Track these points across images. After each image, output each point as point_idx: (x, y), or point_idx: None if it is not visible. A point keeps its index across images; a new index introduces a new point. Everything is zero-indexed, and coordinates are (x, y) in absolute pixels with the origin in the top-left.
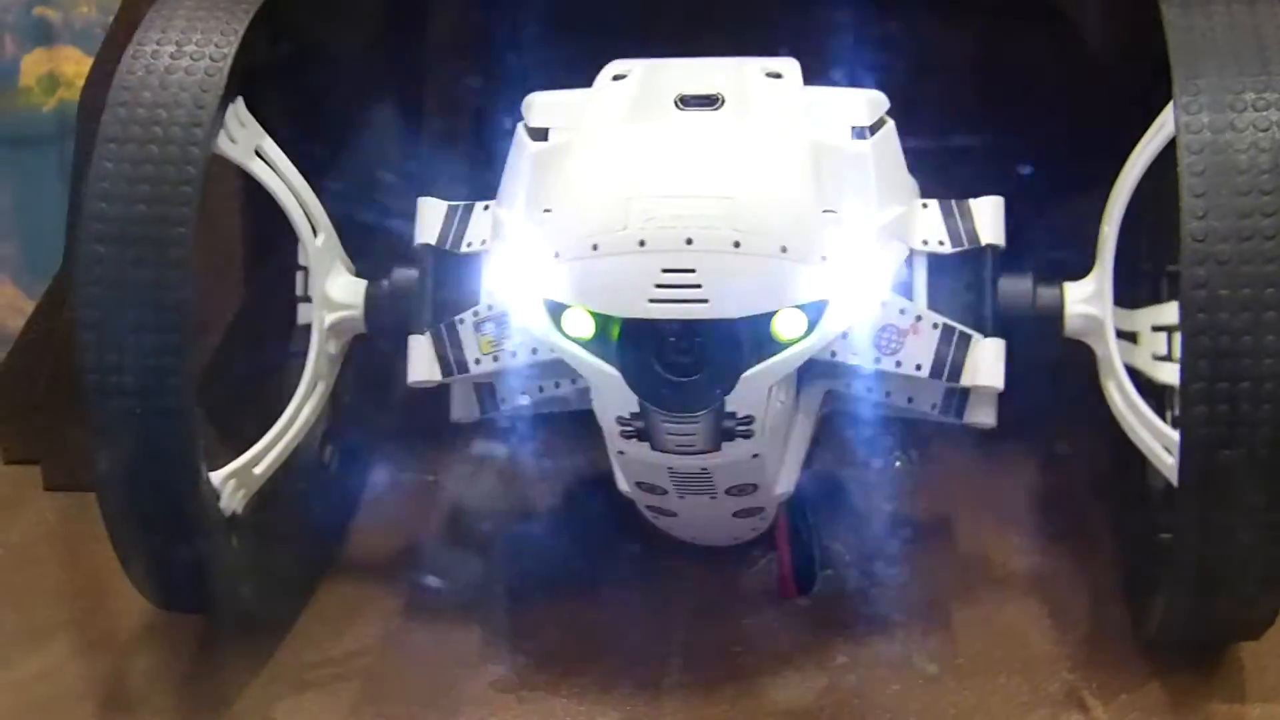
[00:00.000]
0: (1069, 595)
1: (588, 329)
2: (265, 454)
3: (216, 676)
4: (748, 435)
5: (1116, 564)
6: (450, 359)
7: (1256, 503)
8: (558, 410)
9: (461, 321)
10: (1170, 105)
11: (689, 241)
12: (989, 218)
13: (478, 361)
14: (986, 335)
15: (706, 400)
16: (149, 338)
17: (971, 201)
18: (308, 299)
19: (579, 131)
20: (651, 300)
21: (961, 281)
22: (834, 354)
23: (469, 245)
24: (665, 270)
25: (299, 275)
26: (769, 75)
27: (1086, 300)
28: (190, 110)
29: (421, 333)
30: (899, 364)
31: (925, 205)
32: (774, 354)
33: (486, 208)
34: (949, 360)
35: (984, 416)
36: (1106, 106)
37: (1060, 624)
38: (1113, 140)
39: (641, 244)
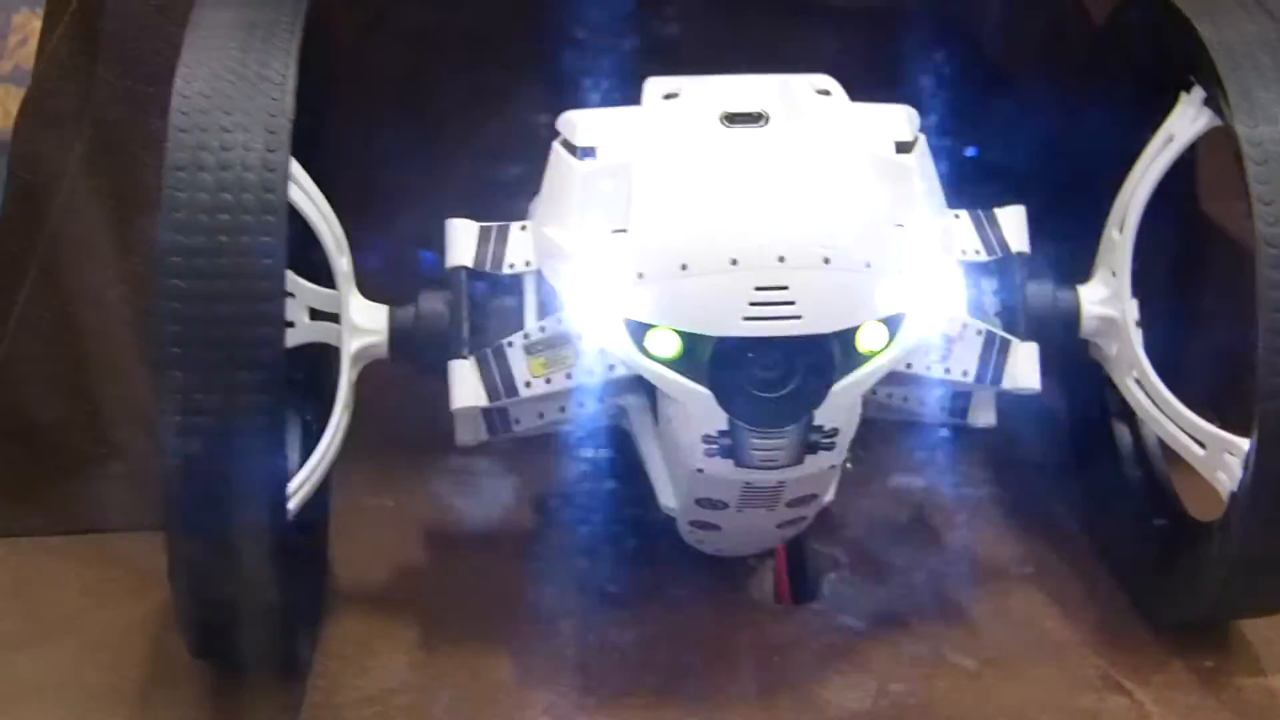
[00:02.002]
0: (1064, 584)
1: (673, 348)
2: (302, 487)
3: None
4: (831, 448)
5: (1097, 552)
6: (498, 383)
7: None
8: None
9: (510, 344)
10: (1178, 115)
11: (781, 259)
12: (1014, 225)
13: (528, 384)
14: (1021, 339)
15: (798, 415)
16: (234, 373)
17: (996, 210)
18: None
19: (642, 150)
20: (746, 318)
21: (991, 288)
22: (909, 365)
23: (511, 266)
24: (759, 288)
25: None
26: (819, 92)
27: (1103, 302)
28: (264, 139)
29: (463, 356)
30: (948, 370)
31: (958, 215)
32: (859, 366)
33: (524, 228)
34: (991, 365)
35: (986, 417)
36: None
37: (1067, 612)
38: None
39: (734, 262)
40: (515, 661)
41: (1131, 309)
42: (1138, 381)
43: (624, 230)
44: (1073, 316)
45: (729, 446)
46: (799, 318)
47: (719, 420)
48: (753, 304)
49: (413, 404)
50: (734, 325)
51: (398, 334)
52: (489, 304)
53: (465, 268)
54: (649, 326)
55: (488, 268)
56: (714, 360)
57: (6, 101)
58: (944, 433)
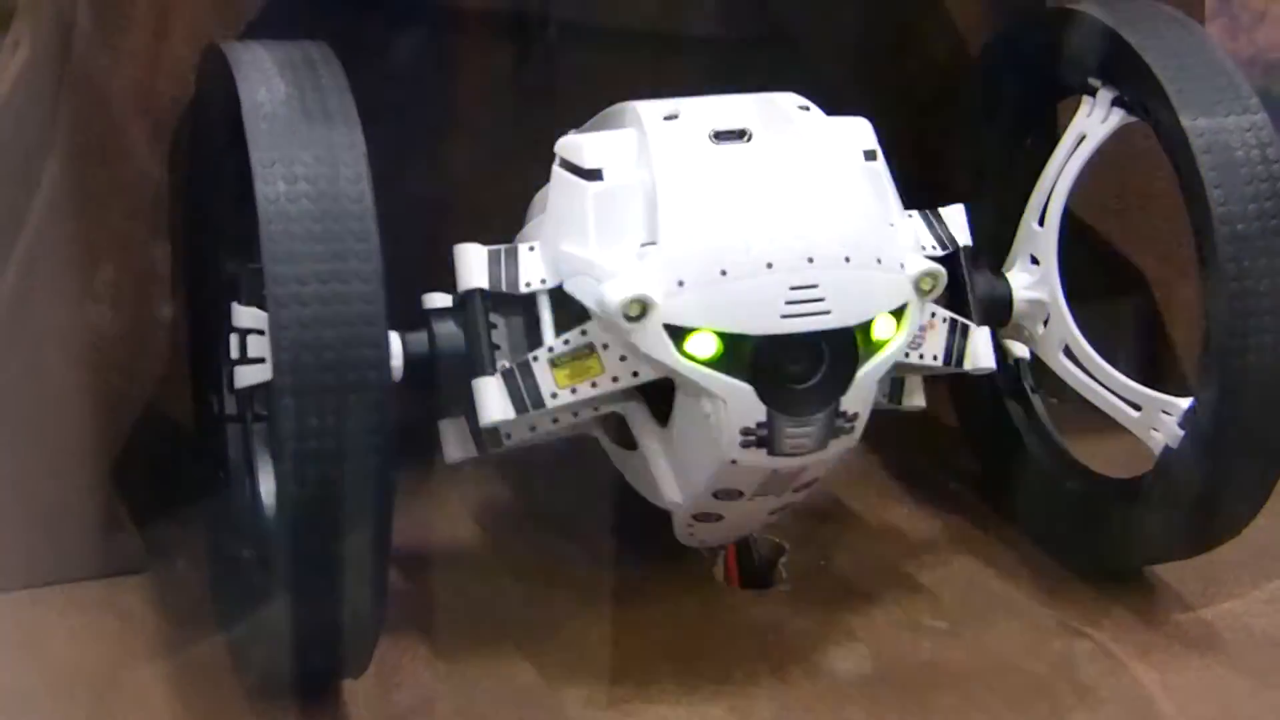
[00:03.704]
0: (990, 550)
1: (713, 349)
2: None
3: None
4: (850, 432)
5: (1007, 519)
6: (525, 396)
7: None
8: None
9: (535, 359)
10: (1085, 116)
11: (810, 259)
12: (958, 222)
13: (554, 395)
14: (976, 325)
15: (828, 401)
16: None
17: (942, 210)
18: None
19: (660, 168)
20: (783, 316)
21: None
22: (908, 354)
23: (527, 285)
24: (793, 288)
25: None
26: (800, 108)
27: (1029, 287)
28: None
29: (488, 374)
30: (921, 356)
31: (911, 215)
32: (875, 354)
33: (531, 248)
34: (954, 349)
35: (918, 400)
36: None
37: (1003, 574)
38: None
39: (769, 265)
40: (536, 664)
41: (1059, 291)
42: (1068, 354)
43: (653, 243)
44: (1007, 302)
45: (764, 437)
46: (829, 312)
47: (758, 413)
48: (788, 302)
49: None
50: (772, 323)
51: (412, 359)
52: (503, 323)
53: (481, 289)
54: (688, 330)
55: (503, 288)
56: (754, 357)
57: None
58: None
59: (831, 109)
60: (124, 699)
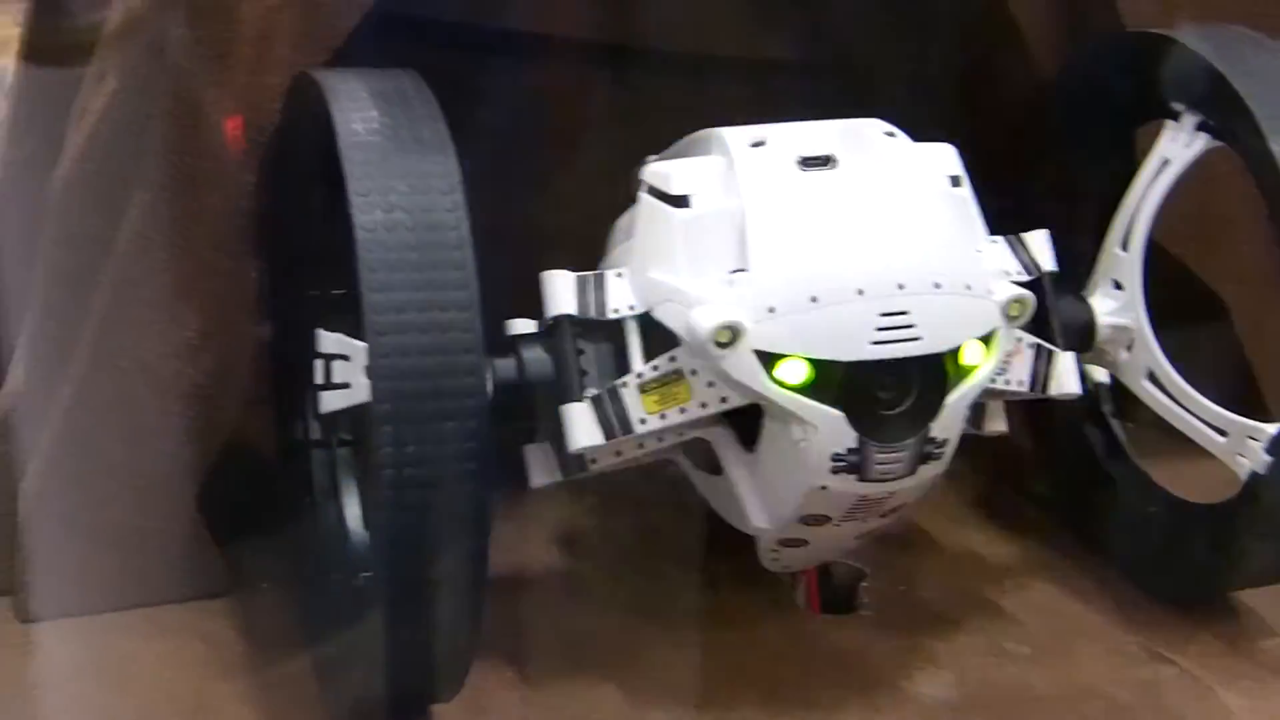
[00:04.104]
0: (1070, 576)
1: (803, 375)
2: None
3: None
4: (940, 458)
5: (1087, 545)
6: (614, 422)
7: None
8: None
9: (624, 385)
10: (1169, 141)
11: (901, 286)
12: (1041, 247)
13: (643, 421)
14: (1061, 350)
15: (918, 428)
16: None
17: (1025, 235)
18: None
19: (743, 196)
20: (873, 342)
21: None
22: (994, 380)
23: (615, 311)
24: (883, 314)
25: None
26: (885, 134)
27: (1113, 313)
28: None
29: (577, 399)
30: (1008, 381)
31: (995, 241)
32: (964, 380)
33: (619, 274)
34: (1040, 375)
35: (999, 424)
36: None
37: (1084, 599)
38: None
39: (860, 292)
40: (621, 690)
41: (1144, 316)
42: (1153, 379)
43: (743, 270)
44: (1090, 327)
45: (855, 463)
46: (919, 339)
47: (848, 439)
48: (879, 329)
49: None
50: (863, 349)
51: (500, 385)
52: (590, 349)
53: (570, 316)
54: (779, 356)
55: (591, 314)
56: (845, 383)
57: None
58: None
59: (916, 135)
60: None
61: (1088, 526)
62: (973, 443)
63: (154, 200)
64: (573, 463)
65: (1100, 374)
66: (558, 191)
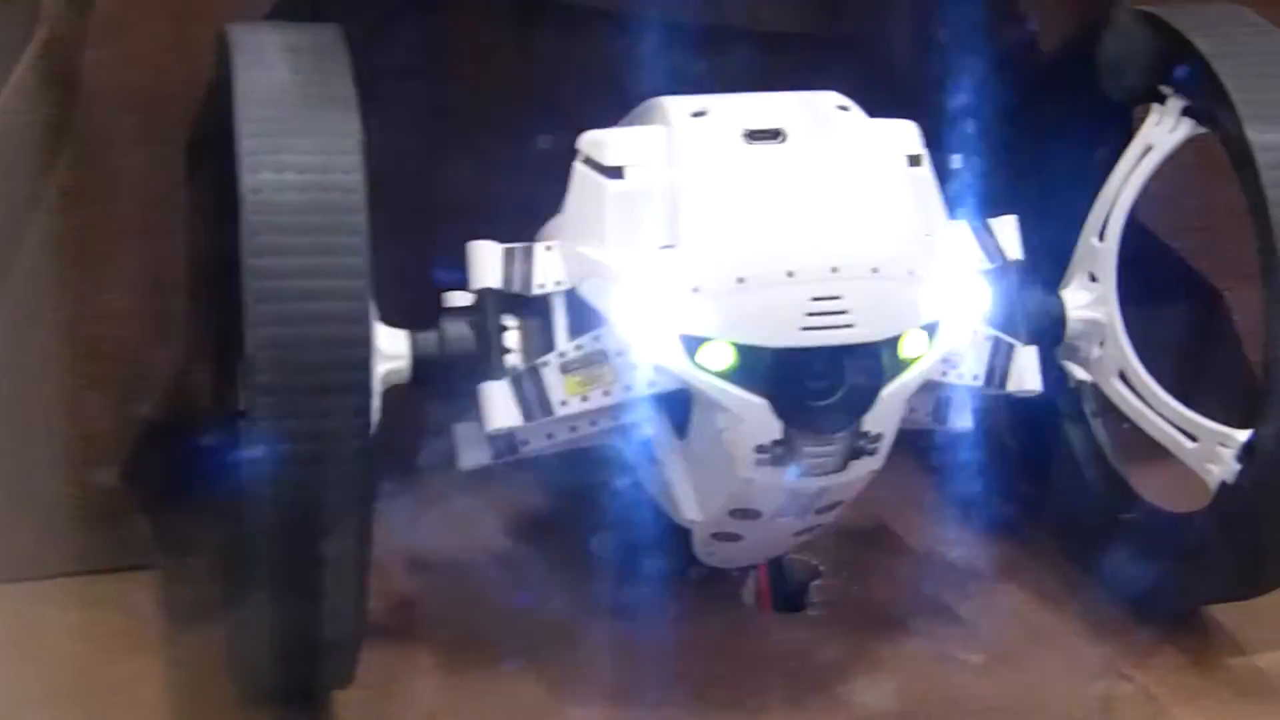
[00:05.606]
0: (1039, 580)
1: (728, 361)
2: None
3: None
4: (874, 453)
5: (1060, 549)
6: (533, 402)
7: None
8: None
9: (545, 364)
10: (1153, 126)
11: (834, 269)
12: (1009, 234)
13: (564, 403)
14: (1022, 344)
15: (850, 420)
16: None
17: (991, 221)
18: None
19: (684, 168)
20: (803, 328)
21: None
22: (945, 373)
23: (541, 286)
24: (815, 299)
25: None
26: (839, 108)
27: (1087, 306)
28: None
29: (496, 378)
30: (960, 375)
31: (957, 226)
32: (902, 372)
33: (548, 248)
34: (998, 369)
35: (964, 421)
36: None
37: (1050, 606)
38: None
39: (790, 274)
40: (543, 681)
41: (1116, 311)
42: (1123, 379)
43: (672, 246)
44: (1060, 320)
45: (780, 455)
46: (851, 326)
47: (773, 430)
48: (809, 314)
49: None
50: (791, 335)
51: (421, 359)
52: (517, 325)
53: (493, 289)
54: (703, 340)
55: (516, 288)
56: (771, 370)
57: None
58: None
59: (889, 111)
60: (115, 698)
61: (1062, 530)
62: (950, 435)
63: (75, 161)
64: (502, 444)
65: (1082, 372)
66: (507, 161)
